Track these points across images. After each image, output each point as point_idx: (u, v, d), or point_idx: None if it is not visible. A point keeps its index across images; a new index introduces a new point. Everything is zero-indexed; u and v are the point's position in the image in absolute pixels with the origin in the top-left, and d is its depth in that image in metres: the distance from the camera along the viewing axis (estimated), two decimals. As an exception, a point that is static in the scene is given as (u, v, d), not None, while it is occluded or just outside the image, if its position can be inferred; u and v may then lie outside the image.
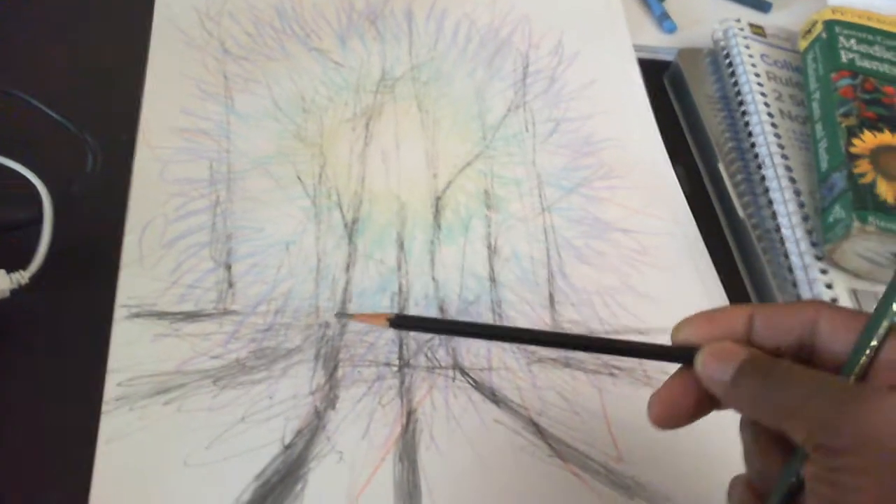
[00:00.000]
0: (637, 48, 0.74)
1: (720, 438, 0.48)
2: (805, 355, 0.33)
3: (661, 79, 0.74)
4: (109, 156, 0.54)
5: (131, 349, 0.47)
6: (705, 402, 0.35)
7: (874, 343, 0.31)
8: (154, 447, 0.43)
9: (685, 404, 0.36)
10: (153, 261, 0.51)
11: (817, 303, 0.33)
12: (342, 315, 0.51)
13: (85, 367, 0.46)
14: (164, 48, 0.63)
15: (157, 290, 0.50)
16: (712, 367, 0.34)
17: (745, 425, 0.36)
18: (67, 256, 0.49)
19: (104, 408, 0.44)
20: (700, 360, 0.34)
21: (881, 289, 0.54)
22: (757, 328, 0.34)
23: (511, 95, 0.67)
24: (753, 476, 0.35)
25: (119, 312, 0.48)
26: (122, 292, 0.49)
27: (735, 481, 0.36)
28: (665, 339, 0.52)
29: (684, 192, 0.63)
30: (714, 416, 0.49)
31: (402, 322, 0.40)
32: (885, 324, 0.31)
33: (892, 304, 0.31)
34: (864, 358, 0.31)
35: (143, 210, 0.53)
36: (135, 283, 0.50)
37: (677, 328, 0.36)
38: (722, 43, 0.73)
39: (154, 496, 0.42)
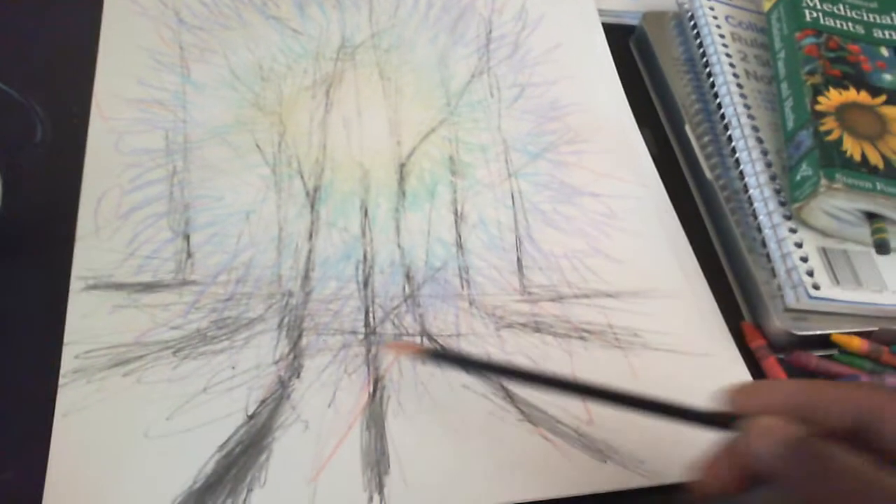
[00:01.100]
0: (602, 12, 0.73)
1: (693, 401, 0.48)
2: (862, 440, 0.31)
3: (626, 43, 0.73)
4: (61, 127, 0.53)
5: (88, 321, 0.46)
6: (748, 477, 0.34)
7: None
8: (113, 419, 0.42)
9: (730, 478, 0.35)
10: (109, 232, 0.50)
11: (880, 390, 0.32)
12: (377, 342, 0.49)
13: (41, 341, 0.45)
14: (117, 18, 0.62)
15: (113, 262, 0.48)
16: (761, 443, 0.32)
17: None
18: (20, 228, 0.48)
19: (61, 381, 0.43)
20: (748, 434, 0.33)
21: (850, 247, 0.54)
22: (809, 405, 0.33)
23: (475, 61, 0.66)
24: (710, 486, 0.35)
25: (75, 284, 0.47)
26: (77, 264, 0.48)
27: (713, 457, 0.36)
28: (635, 302, 0.52)
29: (652, 156, 0.62)
30: (686, 379, 0.49)
31: (439, 356, 0.41)
32: None
33: None
34: None
35: (97, 181, 0.52)
36: (91, 254, 0.48)
37: (734, 393, 0.35)
38: (686, 6, 0.72)
39: (113, 469, 0.41)
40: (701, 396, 0.48)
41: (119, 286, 0.47)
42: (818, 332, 0.51)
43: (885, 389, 0.32)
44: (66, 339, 0.45)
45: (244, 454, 0.42)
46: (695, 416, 0.36)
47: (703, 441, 0.44)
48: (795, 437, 0.31)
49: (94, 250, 0.49)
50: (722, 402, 0.35)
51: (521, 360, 0.48)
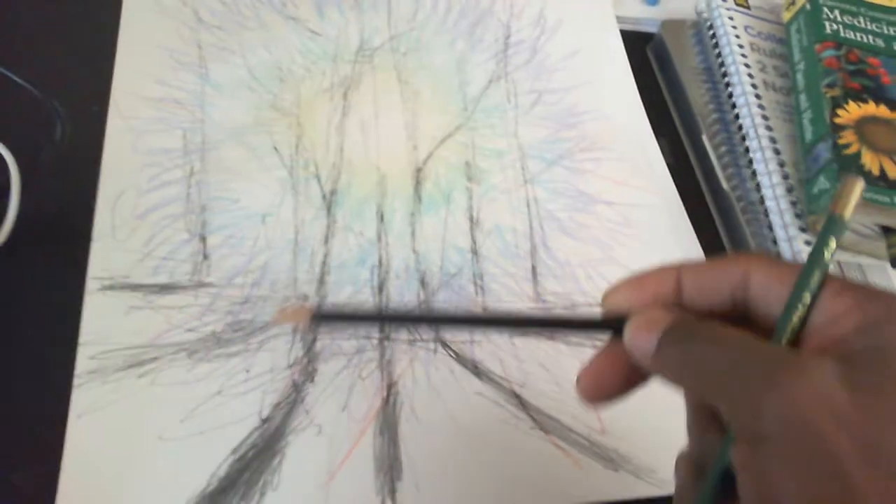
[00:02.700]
0: (620, 20, 0.73)
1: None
2: (740, 317, 0.29)
3: (644, 51, 0.73)
4: (80, 125, 0.53)
5: (104, 322, 0.46)
6: (636, 375, 0.31)
7: (807, 299, 0.26)
8: (127, 421, 0.42)
9: (614, 378, 0.31)
10: (126, 232, 0.50)
11: (749, 255, 0.29)
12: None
13: (56, 340, 0.45)
14: (135, 16, 0.62)
15: (130, 262, 0.48)
16: (638, 338, 0.29)
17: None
18: (37, 227, 0.48)
19: (76, 381, 0.43)
20: (627, 332, 0.30)
21: (865, 260, 0.54)
22: (687, 289, 0.30)
23: (492, 66, 0.66)
24: (695, 452, 0.31)
25: (91, 284, 0.47)
26: (94, 264, 0.48)
27: (680, 457, 0.33)
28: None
29: (668, 165, 0.62)
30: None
31: (323, 316, 0.34)
32: (817, 274, 0.26)
33: (823, 251, 0.27)
34: (796, 317, 0.26)
35: (115, 181, 0.52)
36: (107, 255, 0.49)
37: (606, 296, 0.32)
38: (705, 15, 0.72)
39: (127, 470, 0.41)
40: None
41: (135, 287, 0.47)
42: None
43: (756, 255, 0.29)
44: (81, 339, 0.45)
45: (257, 458, 0.42)
46: (583, 324, 0.33)
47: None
48: (667, 323, 0.29)
49: (110, 250, 0.49)
50: (602, 302, 0.32)
51: (534, 368, 0.48)
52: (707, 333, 0.28)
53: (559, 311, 0.51)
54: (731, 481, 0.26)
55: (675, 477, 0.32)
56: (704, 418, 0.30)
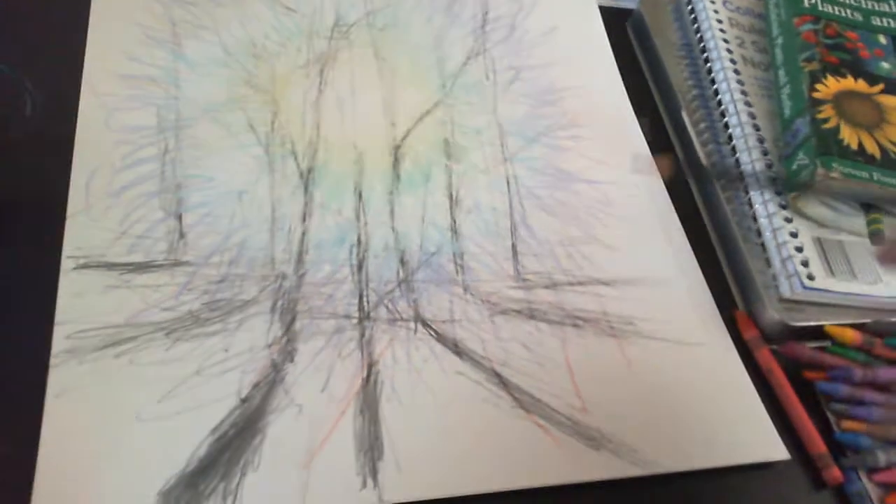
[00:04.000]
0: (598, -6, 0.73)
1: (686, 390, 0.48)
2: None
3: (623, 27, 0.73)
4: (51, 101, 0.52)
5: (80, 301, 0.45)
6: None
7: None
8: (105, 401, 0.42)
9: None
10: (101, 210, 0.49)
11: None
12: None
13: (32, 320, 0.44)
14: (107, -8, 0.60)
15: (105, 241, 0.48)
16: None
17: None
18: (9, 205, 0.47)
19: (52, 361, 0.42)
20: None
21: (845, 237, 0.54)
22: None
23: (470, 43, 0.65)
24: None
25: (66, 263, 0.46)
26: (68, 243, 0.47)
27: None
28: (630, 289, 0.52)
29: (648, 142, 0.62)
30: (680, 368, 0.49)
31: None
32: None
33: None
34: None
35: (88, 158, 0.51)
36: (82, 233, 0.48)
37: None
38: (684, -10, 0.71)
39: (106, 451, 0.40)
40: (694, 385, 0.48)
41: (111, 266, 0.47)
42: (812, 324, 0.51)
43: None
44: (57, 318, 0.44)
45: (237, 437, 0.42)
46: None
47: (695, 427, 0.44)
48: None
49: (85, 228, 0.48)
50: None
51: (515, 347, 0.48)
52: None
53: (541, 288, 0.51)
54: None
55: None
56: None
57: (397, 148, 0.57)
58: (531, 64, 0.65)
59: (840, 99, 0.57)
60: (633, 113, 0.64)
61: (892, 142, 0.55)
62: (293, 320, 0.47)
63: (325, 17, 0.64)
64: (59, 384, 0.42)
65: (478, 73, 0.64)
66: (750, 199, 0.57)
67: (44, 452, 0.40)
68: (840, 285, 0.52)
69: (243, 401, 0.43)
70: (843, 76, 0.59)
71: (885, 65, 0.61)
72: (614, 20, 0.72)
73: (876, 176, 0.53)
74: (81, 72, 0.55)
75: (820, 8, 0.64)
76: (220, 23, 0.61)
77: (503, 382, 0.46)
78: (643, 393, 0.47)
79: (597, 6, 0.71)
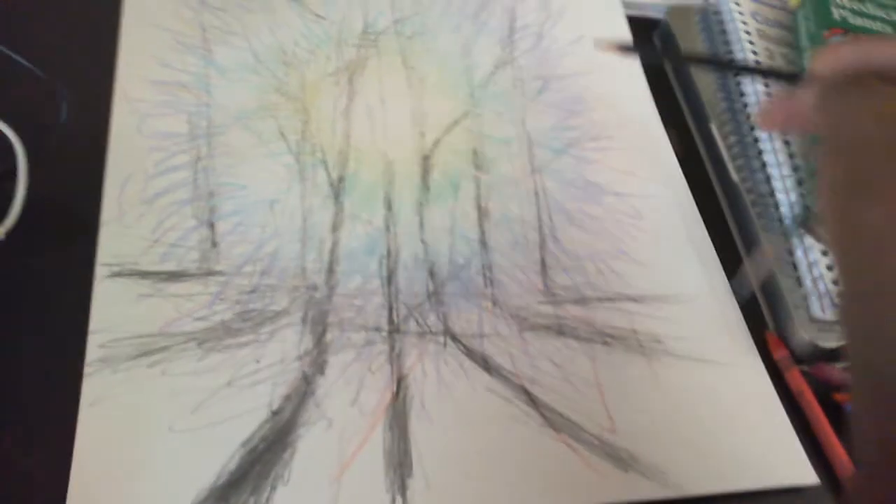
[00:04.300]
0: (626, 5, 0.72)
1: (715, 411, 0.48)
2: None
3: (650, 37, 0.73)
4: (85, 107, 0.52)
5: (113, 309, 0.45)
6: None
7: None
8: (139, 411, 0.42)
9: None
10: (134, 217, 0.49)
11: None
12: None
13: (66, 327, 0.45)
14: (138, -2, 0.61)
15: (138, 249, 0.48)
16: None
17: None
18: (45, 210, 0.48)
19: (86, 370, 0.43)
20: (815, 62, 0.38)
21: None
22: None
23: (498, 51, 0.65)
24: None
25: (100, 271, 0.47)
26: (102, 250, 0.48)
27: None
28: (659, 306, 0.52)
29: (676, 155, 0.62)
30: (709, 388, 0.49)
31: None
32: None
33: None
34: None
35: (122, 165, 0.51)
36: (115, 240, 0.48)
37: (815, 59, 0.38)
38: (712, 1, 0.71)
39: (138, 461, 0.41)
40: (723, 406, 0.48)
41: (144, 274, 0.47)
42: (843, 344, 0.51)
43: None
44: (91, 326, 0.44)
45: (268, 451, 0.42)
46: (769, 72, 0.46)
47: (723, 449, 0.44)
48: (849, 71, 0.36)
49: (118, 236, 0.48)
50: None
51: (544, 364, 0.48)
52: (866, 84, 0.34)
53: (571, 304, 0.51)
54: None
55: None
56: None
57: (426, 158, 0.57)
58: (559, 74, 0.65)
59: (871, 116, 0.57)
60: (661, 124, 0.63)
61: (923, 161, 0.55)
62: (324, 332, 0.47)
63: (353, 25, 0.64)
64: (93, 393, 0.42)
65: (506, 82, 0.63)
66: (781, 214, 0.56)
67: (77, 461, 0.40)
68: (870, 306, 0.52)
69: (274, 413, 0.43)
70: (875, 93, 0.58)
71: (917, 81, 0.60)
72: (641, 30, 0.71)
73: (907, 196, 0.53)
74: (114, 77, 0.55)
75: (850, 21, 0.64)
76: (250, 29, 0.61)
77: (532, 400, 0.46)
78: (672, 413, 0.47)
79: (624, 16, 0.71)
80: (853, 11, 0.65)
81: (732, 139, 0.62)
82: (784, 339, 0.53)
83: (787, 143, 0.59)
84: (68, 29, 0.58)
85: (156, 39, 0.59)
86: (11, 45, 0.52)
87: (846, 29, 0.63)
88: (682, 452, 0.46)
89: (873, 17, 0.65)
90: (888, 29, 0.64)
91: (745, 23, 0.68)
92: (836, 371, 0.50)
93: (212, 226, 0.50)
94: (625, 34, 0.69)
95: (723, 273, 0.55)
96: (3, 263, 0.45)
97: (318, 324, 0.47)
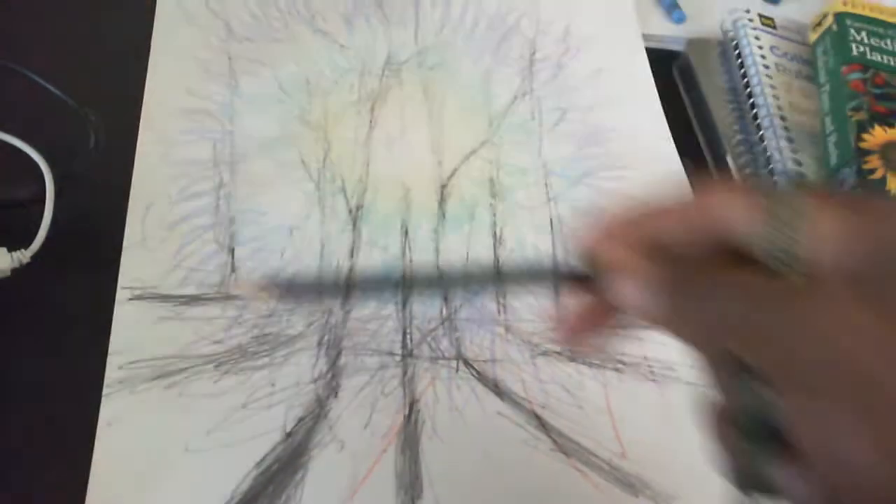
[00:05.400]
0: (646, 37, 0.73)
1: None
2: (729, 255, 0.26)
3: (670, 69, 0.73)
4: (112, 134, 0.53)
5: (133, 332, 0.47)
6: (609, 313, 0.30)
7: (795, 222, 0.24)
8: (155, 432, 0.43)
9: (594, 321, 0.31)
10: (156, 242, 0.51)
11: (720, 190, 0.27)
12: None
13: (86, 348, 0.46)
14: (167, 27, 0.63)
15: (159, 273, 0.49)
16: (631, 294, 0.28)
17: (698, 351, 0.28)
18: (69, 235, 0.49)
19: (105, 391, 0.44)
20: (616, 287, 0.28)
21: None
22: (664, 235, 0.28)
23: (517, 82, 0.66)
24: (729, 404, 0.27)
25: (121, 294, 0.48)
26: (124, 274, 0.49)
27: (712, 418, 0.28)
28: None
29: (692, 185, 0.62)
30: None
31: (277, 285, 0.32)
32: (798, 195, 0.25)
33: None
34: (788, 245, 0.24)
35: (145, 190, 0.53)
36: (137, 264, 0.49)
37: (581, 250, 0.30)
38: (731, 34, 0.72)
39: (154, 480, 0.42)
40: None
41: (164, 297, 0.48)
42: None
43: (729, 185, 0.27)
44: (110, 348, 0.46)
45: (281, 472, 0.43)
46: (559, 275, 0.32)
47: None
48: (664, 275, 0.27)
49: (140, 260, 0.50)
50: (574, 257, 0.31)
51: (555, 390, 0.49)
52: (708, 281, 0.26)
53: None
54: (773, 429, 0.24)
55: (718, 442, 0.28)
56: (726, 364, 0.26)
57: (444, 187, 0.58)
58: (577, 105, 0.66)
59: (887, 149, 0.57)
60: (677, 156, 0.64)
61: (938, 193, 0.55)
62: (338, 356, 0.48)
63: (377, 56, 0.65)
64: (110, 413, 0.43)
65: (524, 112, 0.64)
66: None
67: (95, 479, 0.41)
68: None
69: (288, 435, 0.44)
70: (891, 126, 0.59)
71: (934, 115, 0.61)
72: (661, 62, 0.72)
73: (922, 228, 0.53)
74: (141, 104, 0.57)
75: (868, 57, 0.64)
76: (276, 59, 0.63)
77: (543, 425, 0.47)
78: (683, 440, 0.47)
79: (644, 49, 0.72)
80: (872, 47, 0.65)
81: (748, 170, 0.63)
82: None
83: (801, 175, 0.60)
84: (100, 58, 0.60)
85: (183, 68, 0.60)
86: (45, 74, 0.53)
87: (865, 65, 0.63)
88: (693, 479, 0.46)
89: (892, 54, 0.65)
90: (907, 64, 0.65)
91: (763, 56, 0.69)
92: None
93: (232, 251, 0.51)
94: (643, 67, 0.70)
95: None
96: (28, 286, 0.46)
97: (333, 348, 0.48)
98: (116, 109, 0.56)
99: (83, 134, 0.52)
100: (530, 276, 0.33)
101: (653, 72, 0.70)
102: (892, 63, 0.64)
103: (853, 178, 0.56)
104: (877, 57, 0.64)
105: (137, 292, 0.48)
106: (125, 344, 0.46)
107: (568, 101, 0.66)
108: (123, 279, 0.49)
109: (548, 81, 0.67)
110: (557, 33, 0.71)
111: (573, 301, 0.31)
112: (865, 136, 0.58)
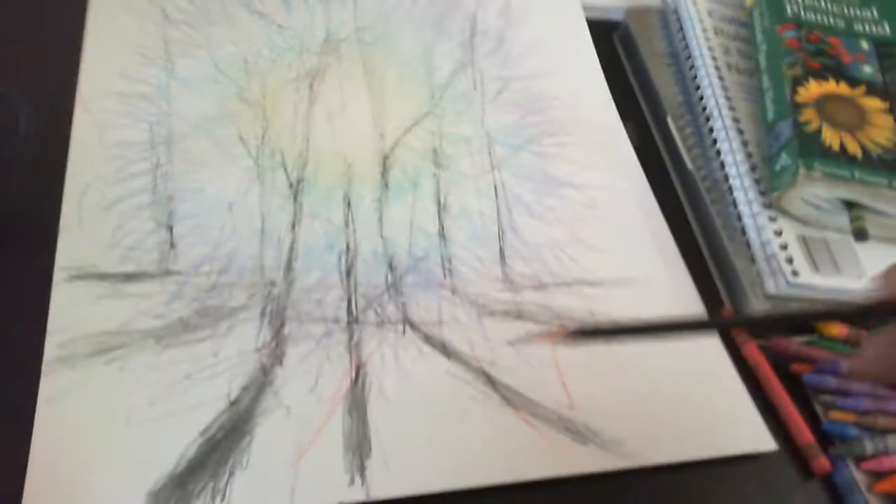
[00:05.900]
0: (586, 8, 0.73)
1: (673, 385, 0.48)
2: None
3: (610, 38, 0.74)
4: (45, 119, 0.53)
5: (72, 310, 0.46)
6: None
7: None
8: (96, 406, 0.42)
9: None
10: (93, 223, 0.50)
11: None
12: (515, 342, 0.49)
13: (25, 330, 0.45)
14: (102, 13, 0.62)
15: (97, 252, 0.49)
16: None
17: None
18: (4, 220, 0.48)
19: (44, 368, 0.43)
20: None
21: (829, 235, 0.55)
22: None
23: (459, 55, 0.67)
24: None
25: (59, 275, 0.47)
26: (61, 255, 0.48)
27: None
28: (616, 290, 0.52)
29: (634, 148, 0.63)
30: (666, 366, 0.49)
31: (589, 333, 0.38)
32: None
33: None
34: None
35: (81, 173, 0.52)
36: (75, 245, 0.49)
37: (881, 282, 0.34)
38: (670, 1, 0.72)
39: (96, 454, 0.41)
40: (681, 381, 0.48)
41: (102, 276, 0.48)
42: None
43: None
44: (49, 327, 0.45)
45: (226, 438, 0.42)
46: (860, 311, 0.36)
47: (681, 419, 0.45)
48: None
49: (77, 241, 0.49)
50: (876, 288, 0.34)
51: (504, 349, 0.49)
52: None
53: (529, 290, 0.52)
54: None
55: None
56: None
57: (386, 158, 0.58)
58: (519, 75, 0.66)
59: (822, 102, 0.58)
60: (619, 120, 0.64)
61: (873, 141, 0.56)
62: (282, 325, 0.47)
63: (315, 34, 0.65)
64: (50, 390, 0.43)
65: (466, 84, 0.64)
66: (734, 199, 0.57)
67: (35, 455, 0.40)
68: (825, 281, 0.53)
69: (232, 403, 0.44)
70: (825, 80, 0.60)
71: (867, 68, 0.62)
72: (601, 32, 0.73)
73: (857, 174, 0.54)
74: (75, 89, 0.56)
75: (803, 16, 0.65)
76: (213, 41, 0.62)
77: (491, 381, 0.47)
78: (630, 389, 0.48)
79: (584, 19, 0.72)
80: (806, 7, 0.66)
81: (688, 131, 0.63)
82: (740, 316, 0.53)
83: (740, 131, 0.60)
84: (33, 43, 0.59)
85: (118, 53, 0.59)
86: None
87: (799, 24, 0.64)
88: (641, 425, 0.46)
89: (827, 12, 0.66)
90: (841, 23, 0.65)
91: (701, 21, 0.69)
92: (793, 344, 0.51)
93: (170, 228, 0.51)
94: (585, 36, 0.71)
95: (679, 256, 0.56)
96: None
97: (277, 317, 0.48)
98: (50, 95, 0.55)
99: (13, 119, 0.51)
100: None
101: (594, 41, 0.71)
102: (825, 21, 0.65)
103: (790, 130, 0.56)
104: (811, 16, 0.65)
105: (75, 272, 0.47)
106: (64, 322, 0.45)
107: (510, 72, 0.66)
108: (61, 260, 0.48)
109: (489, 53, 0.67)
110: (498, 6, 0.71)
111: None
112: (800, 89, 0.58)
